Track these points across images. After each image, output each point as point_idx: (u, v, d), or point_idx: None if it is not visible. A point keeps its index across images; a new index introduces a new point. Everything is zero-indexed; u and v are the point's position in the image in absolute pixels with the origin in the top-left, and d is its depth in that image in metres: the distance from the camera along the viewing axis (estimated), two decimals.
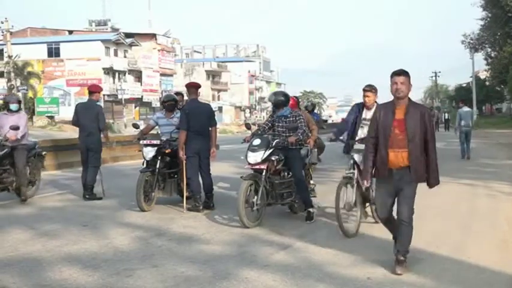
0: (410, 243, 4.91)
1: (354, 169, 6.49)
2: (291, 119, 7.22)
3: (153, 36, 62.72)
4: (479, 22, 45.83)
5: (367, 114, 6.71)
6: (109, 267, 5.07)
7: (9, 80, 42.35)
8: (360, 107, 7.01)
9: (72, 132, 30.92)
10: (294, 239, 6.11)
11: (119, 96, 52.56)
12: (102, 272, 4.93)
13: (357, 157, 6.54)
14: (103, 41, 55.02)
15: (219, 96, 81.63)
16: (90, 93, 9.42)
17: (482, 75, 62.51)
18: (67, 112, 46.53)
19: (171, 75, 65.83)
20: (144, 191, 7.80)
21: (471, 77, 55.81)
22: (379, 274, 4.80)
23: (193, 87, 8.23)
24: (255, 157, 6.83)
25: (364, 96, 6.91)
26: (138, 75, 59.30)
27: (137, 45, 58.85)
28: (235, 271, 4.92)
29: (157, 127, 8.71)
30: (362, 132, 6.73)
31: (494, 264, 5.07)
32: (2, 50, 45.35)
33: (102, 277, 4.78)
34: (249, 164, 6.92)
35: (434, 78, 79.64)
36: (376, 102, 6.79)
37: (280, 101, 7.35)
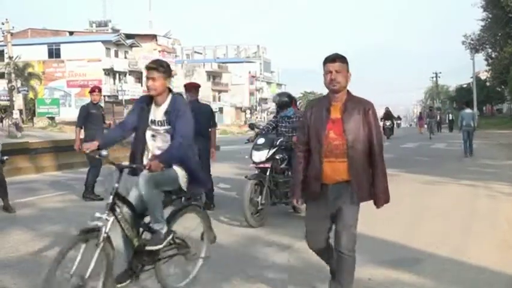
0: (353, 280, 3.85)
1: (112, 213, 3.99)
2: (294, 119, 7.32)
3: (153, 37, 62.81)
4: (480, 23, 45.88)
5: (156, 114, 4.18)
6: None
7: (9, 81, 42.38)
8: (147, 101, 4.24)
9: (72, 133, 30.95)
10: (295, 240, 6.11)
11: (120, 97, 52.61)
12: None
13: (135, 192, 4.16)
14: (103, 42, 55.10)
15: (219, 97, 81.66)
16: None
17: (483, 75, 62.49)
18: (67, 113, 46.68)
19: (171, 76, 65.89)
20: None
21: (472, 77, 55.79)
22: (379, 275, 4.80)
23: (193, 87, 8.14)
24: (260, 156, 6.94)
25: (147, 79, 4.13)
26: (138, 76, 59.34)
27: (138, 46, 58.93)
28: (235, 272, 4.93)
29: None
30: (153, 145, 4.23)
31: (494, 265, 5.07)
32: (3, 51, 45.38)
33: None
34: (254, 162, 7.02)
35: (434, 78, 79.59)
36: (170, 91, 4.26)
37: (284, 101, 7.46)
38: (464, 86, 70.69)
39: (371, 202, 3.85)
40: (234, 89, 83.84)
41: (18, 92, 42.05)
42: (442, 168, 13.80)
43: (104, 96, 52.68)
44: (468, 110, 17.95)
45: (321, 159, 3.71)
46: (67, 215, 7.84)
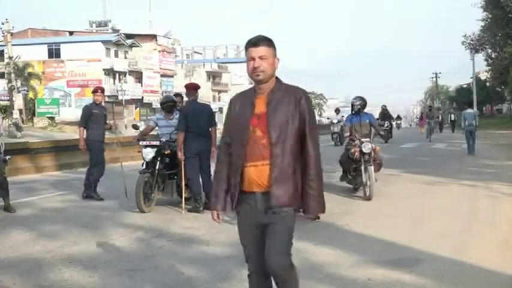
0: None
1: None
2: None
3: (153, 37, 62.78)
4: (480, 23, 45.88)
5: None
6: (109, 268, 5.08)
7: (9, 81, 42.33)
8: None
9: (73, 133, 30.93)
10: (295, 240, 6.05)
11: (120, 97, 52.59)
12: (103, 272, 4.93)
13: None
14: (103, 42, 55.11)
15: (219, 97, 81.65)
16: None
17: (483, 76, 62.49)
18: (67, 113, 46.66)
19: (171, 76, 65.87)
20: (143, 192, 7.81)
21: (472, 77, 55.82)
22: (379, 275, 4.80)
23: (192, 88, 8.30)
24: None
25: None
26: (138, 76, 59.33)
27: (138, 46, 58.90)
28: (235, 272, 4.92)
29: (157, 128, 8.74)
30: None
31: (494, 265, 5.06)
32: (3, 51, 45.36)
33: (103, 278, 4.78)
34: None
35: (434, 79, 79.62)
36: None
37: None
38: (464, 86, 70.71)
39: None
40: (234, 89, 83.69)
41: (18, 92, 42.02)
42: (442, 168, 13.79)
43: (104, 96, 52.76)
44: (470, 110, 18.87)
45: (243, 163, 3.06)
46: (67, 215, 7.85)
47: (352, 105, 9.64)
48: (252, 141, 3.06)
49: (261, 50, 3.07)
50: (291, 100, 3.08)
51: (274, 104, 3.08)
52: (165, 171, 8.20)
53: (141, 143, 8.29)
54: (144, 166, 8.12)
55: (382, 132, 9.69)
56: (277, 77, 3.17)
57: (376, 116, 28.36)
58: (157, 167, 8.00)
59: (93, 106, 9.49)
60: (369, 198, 8.57)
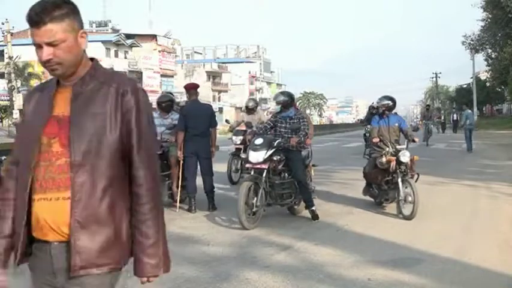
0: None
1: None
2: (295, 120, 7.27)
3: (153, 37, 62.83)
4: (480, 23, 45.92)
5: None
6: None
7: (9, 81, 42.40)
8: None
9: None
10: (295, 240, 6.10)
11: None
12: None
13: None
14: (103, 42, 55.11)
15: (219, 97, 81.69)
16: None
17: (483, 76, 62.50)
18: None
19: (171, 76, 65.91)
20: None
21: (472, 78, 55.84)
22: (379, 275, 4.79)
23: (192, 88, 8.31)
24: (257, 156, 6.84)
25: None
26: (138, 76, 59.29)
27: (138, 46, 58.93)
28: (235, 272, 4.92)
29: None
30: None
31: (495, 265, 5.06)
32: (3, 51, 45.40)
33: None
34: (251, 163, 6.92)
35: (434, 79, 79.64)
36: None
37: (286, 101, 7.41)
38: (464, 86, 70.71)
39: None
40: (234, 89, 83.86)
41: (18, 92, 42.06)
42: (443, 168, 13.79)
43: None
44: (470, 111, 20.72)
45: (30, 194, 1.92)
46: None
47: (377, 107, 8.18)
48: (45, 161, 1.92)
49: (49, 32, 1.89)
50: (108, 95, 1.95)
51: (81, 101, 1.94)
52: None
53: None
54: None
55: (416, 139, 8.08)
56: (92, 59, 2.12)
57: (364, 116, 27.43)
58: None
59: None
60: (410, 217, 7.13)
